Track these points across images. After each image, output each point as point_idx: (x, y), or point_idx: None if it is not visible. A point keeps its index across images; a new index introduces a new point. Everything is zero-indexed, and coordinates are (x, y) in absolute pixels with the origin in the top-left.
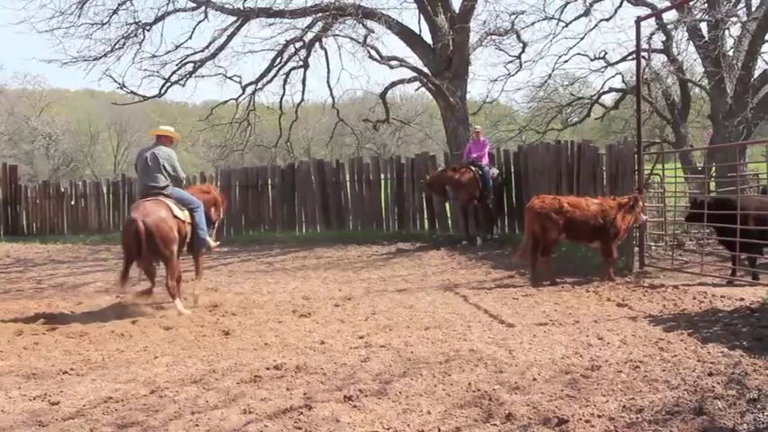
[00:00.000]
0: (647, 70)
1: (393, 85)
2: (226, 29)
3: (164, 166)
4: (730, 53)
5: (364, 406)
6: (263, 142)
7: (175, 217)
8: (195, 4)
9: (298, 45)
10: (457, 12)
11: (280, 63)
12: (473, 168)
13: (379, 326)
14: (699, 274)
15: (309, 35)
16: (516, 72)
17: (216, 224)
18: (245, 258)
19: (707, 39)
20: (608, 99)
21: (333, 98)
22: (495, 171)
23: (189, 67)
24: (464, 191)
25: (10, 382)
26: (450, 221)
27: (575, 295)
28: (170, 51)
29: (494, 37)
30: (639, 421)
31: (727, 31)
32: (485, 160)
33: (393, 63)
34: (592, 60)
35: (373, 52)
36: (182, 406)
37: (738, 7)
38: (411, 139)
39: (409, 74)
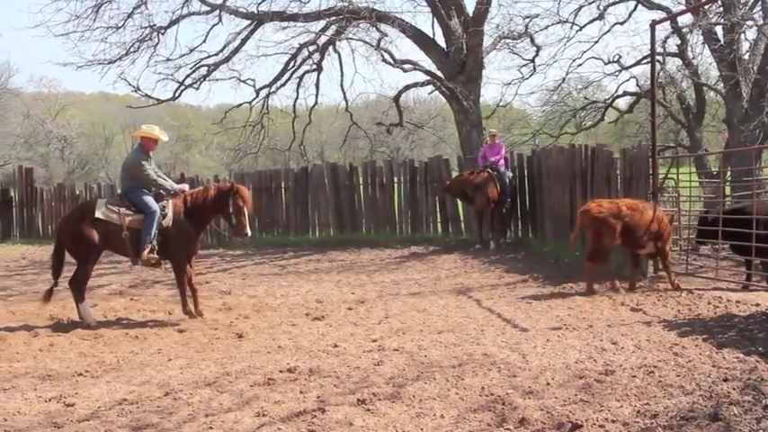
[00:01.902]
0: (661, 74)
1: (407, 88)
2: (240, 32)
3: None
4: (746, 57)
5: (378, 409)
6: (277, 145)
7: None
8: (209, 8)
9: (311, 48)
10: (471, 15)
11: (293, 66)
12: (490, 171)
13: (393, 329)
14: (714, 279)
15: (323, 39)
16: (530, 75)
17: (237, 219)
18: (259, 261)
19: (722, 42)
20: (622, 103)
21: (346, 101)
22: (509, 174)
23: (203, 70)
24: (481, 194)
25: (26, 384)
26: (463, 225)
27: (588, 300)
28: (184, 55)
29: (507, 40)
30: (654, 426)
31: (742, 35)
32: (501, 163)
33: (406, 66)
34: (606, 64)
35: (387, 56)
36: (195, 408)
37: (754, 10)
38: (424, 142)
39: (423, 77)
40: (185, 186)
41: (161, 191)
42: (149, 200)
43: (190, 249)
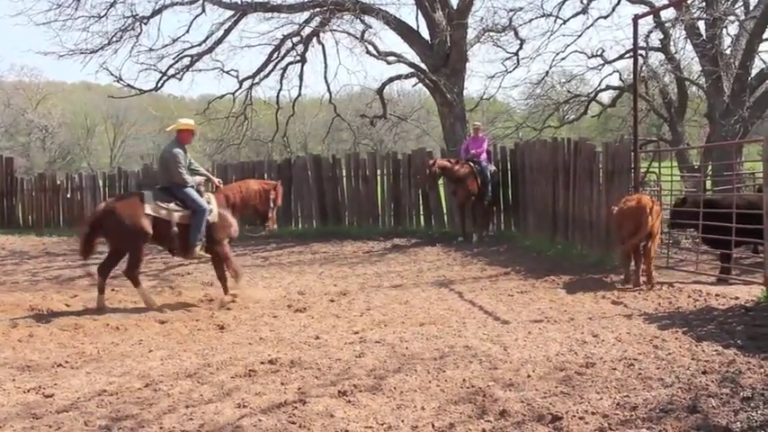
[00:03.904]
0: (644, 68)
1: (390, 80)
2: (223, 23)
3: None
4: (728, 52)
5: (358, 401)
6: (260, 137)
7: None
8: None
9: (295, 40)
10: (455, 8)
11: (277, 58)
12: (471, 164)
13: (375, 321)
14: (694, 273)
15: (307, 30)
16: (514, 69)
17: (266, 214)
18: (241, 253)
19: (704, 37)
20: (605, 97)
21: (330, 93)
22: (492, 168)
23: (186, 60)
24: (462, 187)
25: (4, 375)
26: (446, 218)
27: (570, 293)
28: (167, 45)
29: (491, 33)
30: (633, 419)
31: (724, 30)
32: (483, 156)
33: (390, 59)
34: (589, 58)
35: (371, 48)
36: (176, 399)
37: (736, 6)
38: (408, 135)
39: (407, 70)
40: (202, 179)
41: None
42: (198, 197)
43: (232, 238)
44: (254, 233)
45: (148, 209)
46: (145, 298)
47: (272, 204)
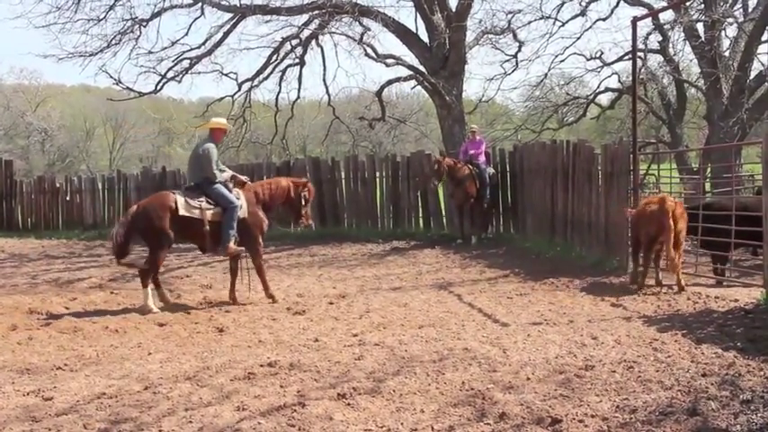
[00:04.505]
0: (643, 70)
1: (389, 83)
2: (222, 25)
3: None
4: (726, 54)
5: (358, 404)
6: (259, 139)
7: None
8: (192, 1)
9: (294, 42)
10: (454, 10)
11: (276, 60)
12: (470, 167)
13: (374, 324)
14: (693, 275)
15: (306, 32)
16: (512, 71)
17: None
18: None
19: (703, 39)
20: (604, 99)
21: (329, 96)
22: (491, 170)
23: (185, 63)
24: (461, 189)
25: (4, 378)
26: (445, 220)
27: (569, 295)
28: (166, 48)
29: (490, 36)
30: (633, 421)
31: (723, 32)
32: (482, 158)
33: (389, 61)
34: (588, 60)
35: (369, 50)
36: (175, 402)
37: (735, 8)
38: (407, 137)
39: (405, 72)
40: (229, 175)
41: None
42: (228, 194)
43: (263, 235)
44: (287, 228)
45: (181, 209)
46: (144, 302)
47: (303, 202)
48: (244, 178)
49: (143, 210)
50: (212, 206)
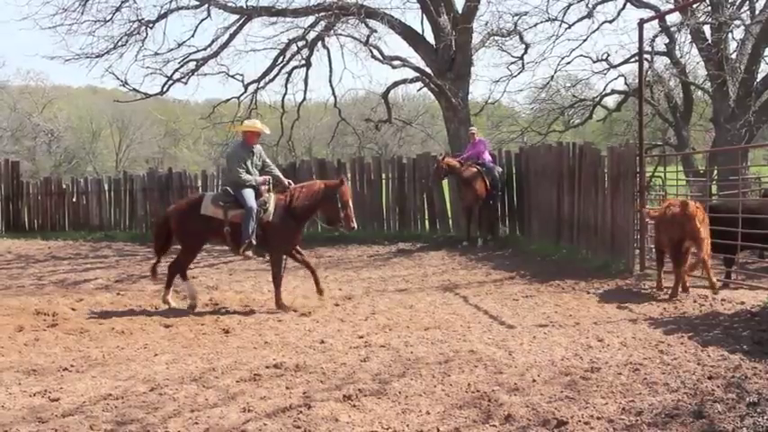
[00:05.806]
0: (649, 73)
1: (395, 85)
2: (228, 27)
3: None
4: (733, 56)
5: (363, 406)
6: (265, 141)
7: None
8: (198, 2)
9: (300, 44)
10: (460, 12)
11: (282, 62)
12: (478, 166)
13: (379, 326)
14: (699, 277)
15: (312, 34)
16: (518, 73)
17: (344, 212)
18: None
19: (710, 41)
20: (610, 101)
21: (335, 97)
22: (498, 168)
23: (191, 65)
24: (470, 190)
25: (10, 379)
26: (451, 222)
27: (575, 297)
28: (172, 49)
29: (496, 38)
30: (639, 424)
31: (730, 34)
32: (486, 156)
33: (395, 63)
34: (594, 62)
35: (376, 52)
36: (181, 404)
37: (742, 10)
38: (413, 139)
39: (411, 74)
40: (266, 178)
41: (249, 185)
42: (249, 195)
43: (290, 243)
44: (332, 230)
45: (204, 210)
46: (165, 298)
47: (340, 204)
48: (286, 182)
49: (170, 212)
50: (236, 208)
